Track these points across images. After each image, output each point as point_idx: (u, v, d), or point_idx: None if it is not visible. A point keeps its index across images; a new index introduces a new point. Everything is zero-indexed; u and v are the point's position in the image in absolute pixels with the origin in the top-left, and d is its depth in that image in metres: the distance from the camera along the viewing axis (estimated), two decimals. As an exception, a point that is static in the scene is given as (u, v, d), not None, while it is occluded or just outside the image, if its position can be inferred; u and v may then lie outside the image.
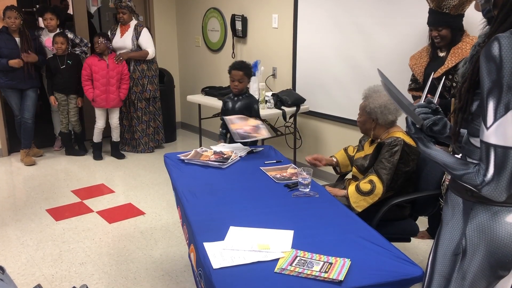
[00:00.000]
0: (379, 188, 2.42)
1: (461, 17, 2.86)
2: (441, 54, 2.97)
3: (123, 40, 4.95)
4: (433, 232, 3.18)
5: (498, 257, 1.28)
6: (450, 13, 2.81)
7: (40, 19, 5.45)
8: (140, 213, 3.73)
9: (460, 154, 1.42)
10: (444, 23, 2.86)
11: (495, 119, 1.17)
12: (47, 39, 5.01)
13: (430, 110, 1.44)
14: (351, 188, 2.50)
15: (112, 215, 3.69)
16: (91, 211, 3.77)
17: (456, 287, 1.36)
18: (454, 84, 2.82)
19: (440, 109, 1.47)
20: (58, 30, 4.98)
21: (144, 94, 5.11)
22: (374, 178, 2.44)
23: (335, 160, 2.89)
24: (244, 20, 4.96)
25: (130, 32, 4.94)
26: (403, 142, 2.44)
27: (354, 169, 2.69)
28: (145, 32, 4.97)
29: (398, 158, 2.41)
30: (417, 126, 1.41)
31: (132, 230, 3.44)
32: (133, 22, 4.99)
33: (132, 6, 4.93)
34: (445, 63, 2.87)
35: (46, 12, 5.01)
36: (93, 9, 7.14)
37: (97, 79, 4.83)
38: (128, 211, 3.76)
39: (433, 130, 1.44)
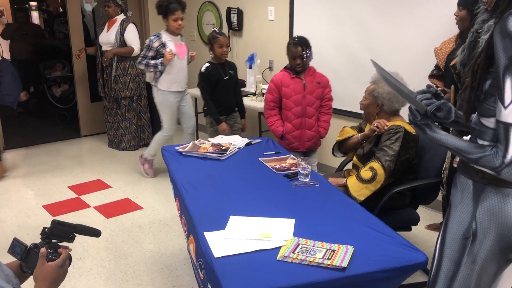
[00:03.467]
0: (381, 174, 2.39)
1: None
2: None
3: (108, 35, 4.85)
4: None
5: (509, 240, 1.26)
6: None
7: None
8: (138, 207, 3.70)
9: (469, 136, 1.38)
10: (463, 2, 2.75)
11: None
12: (175, 44, 4.00)
13: (430, 95, 1.41)
14: (352, 178, 2.48)
15: (110, 210, 3.66)
16: (88, 206, 3.74)
17: (466, 272, 1.33)
18: None
19: (442, 94, 1.44)
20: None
21: (124, 92, 4.95)
22: (375, 164, 2.41)
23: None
24: (240, 13, 4.93)
25: (115, 27, 4.81)
26: (404, 129, 2.43)
27: (354, 158, 2.67)
28: (131, 27, 4.80)
29: (399, 145, 2.39)
30: (421, 112, 1.37)
31: (130, 224, 3.41)
32: (120, 17, 4.84)
33: (118, 0, 4.82)
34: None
35: (177, 10, 3.89)
36: (87, 7, 7.02)
37: (289, 106, 3.28)
38: (125, 206, 3.73)
39: (437, 116, 1.40)
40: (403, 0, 3.43)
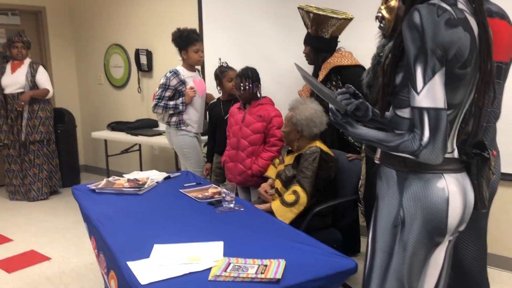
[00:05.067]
0: (303, 197, 2.44)
1: (321, 39, 2.94)
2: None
3: (14, 77, 4.59)
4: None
5: (434, 223, 1.32)
6: (310, 32, 2.98)
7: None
8: (45, 258, 3.36)
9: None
10: (306, 41, 3.02)
11: (425, 83, 1.22)
12: (194, 80, 3.54)
13: (349, 95, 1.48)
14: (276, 202, 2.49)
15: (12, 264, 3.28)
16: (-15, 263, 3.32)
17: (398, 260, 1.36)
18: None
19: (360, 94, 1.52)
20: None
21: (33, 136, 4.68)
22: (297, 188, 2.46)
23: (272, 180, 2.86)
24: (149, 54, 4.90)
25: (24, 69, 4.63)
26: (320, 150, 2.51)
27: (278, 182, 2.68)
28: (42, 69, 4.73)
29: (317, 166, 2.46)
30: (341, 112, 1.43)
31: (37, 277, 3.07)
32: (28, 60, 4.71)
33: (30, 42, 4.75)
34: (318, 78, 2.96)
35: (198, 40, 3.47)
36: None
37: (229, 136, 3.23)
38: (30, 258, 3.37)
39: (357, 115, 1.46)
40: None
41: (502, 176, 2.78)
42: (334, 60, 2.92)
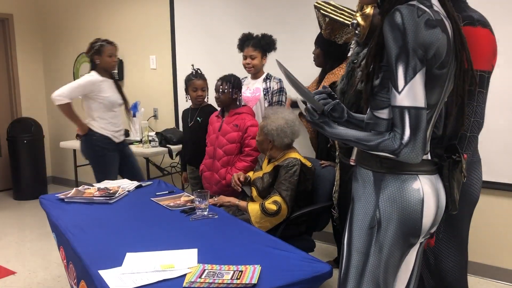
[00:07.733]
0: (284, 209, 2.42)
1: (333, 44, 2.84)
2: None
3: None
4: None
5: (409, 224, 1.33)
6: (323, 35, 2.87)
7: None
8: (10, 272, 3.23)
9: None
10: (317, 42, 2.95)
11: (406, 82, 1.23)
12: (246, 88, 3.36)
13: (326, 95, 1.49)
14: (255, 206, 2.45)
15: (-26, 279, 3.14)
16: None
17: (374, 261, 1.36)
18: None
19: (336, 95, 1.53)
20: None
21: None
22: (278, 198, 2.44)
23: (249, 177, 2.81)
24: (120, 63, 4.84)
25: None
26: (300, 162, 2.50)
27: (253, 190, 2.66)
28: None
29: (297, 178, 2.45)
30: (318, 112, 1.43)
31: (1, 292, 2.96)
32: None
33: None
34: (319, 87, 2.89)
35: (247, 46, 3.23)
36: None
37: (207, 145, 3.17)
38: (-6, 273, 3.24)
39: (333, 115, 1.46)
40: (278, 40, 3.67)
41: (483, 184, 2.85)
42: (340, 72, 2.79)
